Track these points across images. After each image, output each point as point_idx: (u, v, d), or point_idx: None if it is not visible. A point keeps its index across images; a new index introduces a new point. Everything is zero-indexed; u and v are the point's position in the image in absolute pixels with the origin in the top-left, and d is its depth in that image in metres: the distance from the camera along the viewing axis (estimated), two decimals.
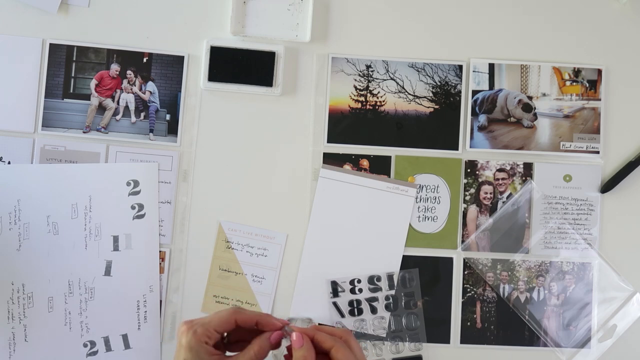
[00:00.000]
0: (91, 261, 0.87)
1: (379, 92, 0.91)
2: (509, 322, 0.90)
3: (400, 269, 0.89)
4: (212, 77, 0.89)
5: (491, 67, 0.91)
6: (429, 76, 0.91)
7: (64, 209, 0.87)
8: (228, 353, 0.69)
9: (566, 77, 0.92)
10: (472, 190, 0.91)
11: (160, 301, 0.88)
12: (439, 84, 0.91)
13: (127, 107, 0.89)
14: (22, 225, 0.86)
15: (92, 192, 0.87)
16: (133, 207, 0.88)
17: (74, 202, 0.87)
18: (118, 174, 0.88)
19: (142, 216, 0.88)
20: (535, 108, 0.92)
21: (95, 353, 0.86)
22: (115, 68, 0.89)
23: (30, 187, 0.86)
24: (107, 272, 0.87)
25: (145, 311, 0.87)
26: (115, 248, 0.87)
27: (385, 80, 0.91)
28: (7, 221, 0.86)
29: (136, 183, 0.88)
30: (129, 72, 0.89)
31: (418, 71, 0.91)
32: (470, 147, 0.91)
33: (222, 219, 0.89)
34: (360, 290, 0.89)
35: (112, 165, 0.88)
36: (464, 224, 0.91)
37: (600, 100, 0.92)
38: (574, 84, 0.92)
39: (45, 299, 0.86)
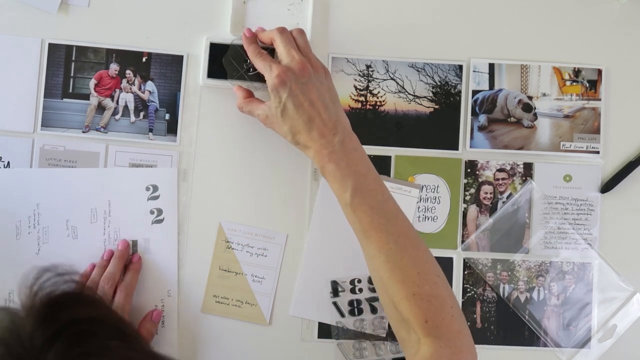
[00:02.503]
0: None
1: (379, 92, 0.91)
2: (509, 322, 0.90)
3: None
4: (211, 73, 0.88)
5: (491, 67, 0.91)
6: (429, 76, 0.91)
7: (83, 213, 0.86)
8: None
9: (566, 77, 0.92)
10: (472, 190, 0.91)
11: None
12: (439, 84, 0.91)
13: (126, 107, 0.89)
14: (41, 229, 0.86)
15: (112, 196, 0.87)
16: (152, 212, 0.87)
17: (94, 207, 0.86)
18: (137, 179, 0.87)
19: (160, 221, 0.87)
20: (535, 108, 0.92)
21: None
22: (114, 68, 0.89)
23: (50, 191, 0.86)
24: None
25: (164, 316, 0.86)
26: (134, 252, 0.87)
27: (385, 80, 0.91)
28: (26, 225, 0.86)
29: (155, 188, 0.87)
30: (128, 71, 0.89)
31: (418, 71, 0.91)
32: (470, 147, 0.91)
33: (222, 219, 0.89)
34: (361, 290, 0.89)
35: (131, 170, 0.88)
36: (464, 224, 0.91)
37: (600, 100, 0.92)
38: (574, 84, 0.92)
39: None
